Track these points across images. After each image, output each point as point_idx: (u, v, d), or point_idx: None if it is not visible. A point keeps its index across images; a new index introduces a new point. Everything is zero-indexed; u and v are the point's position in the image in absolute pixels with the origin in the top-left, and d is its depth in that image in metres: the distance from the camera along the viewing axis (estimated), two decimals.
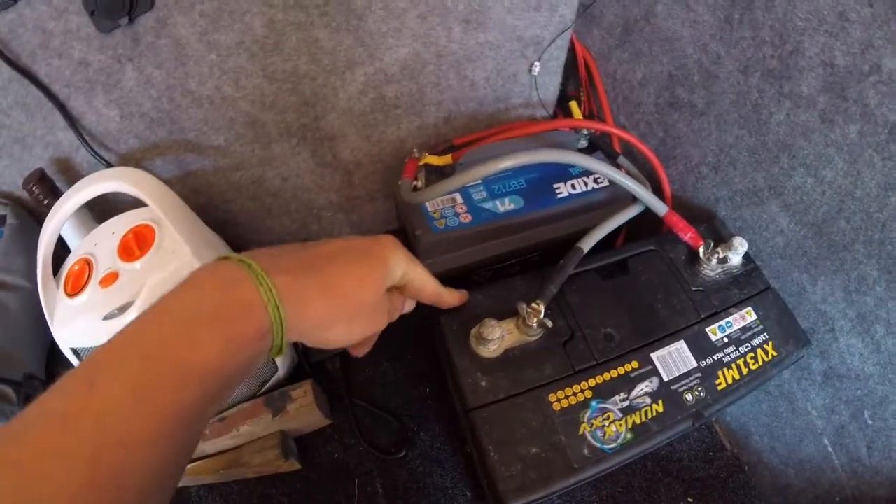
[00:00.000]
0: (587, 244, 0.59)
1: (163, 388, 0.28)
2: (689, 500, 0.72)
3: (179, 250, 0.60)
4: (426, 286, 0.47)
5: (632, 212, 0.64)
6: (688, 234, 0.62)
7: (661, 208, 0.63)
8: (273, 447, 0.69)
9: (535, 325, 0.54)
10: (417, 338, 0.76)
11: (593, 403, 0.53)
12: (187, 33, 0.64)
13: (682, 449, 0.75)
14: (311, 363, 0.74)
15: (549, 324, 0.54)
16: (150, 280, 0.58)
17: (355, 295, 0.38)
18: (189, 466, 0.69)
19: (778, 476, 0.73)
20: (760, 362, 0.59)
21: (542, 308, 0.54)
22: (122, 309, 0.57)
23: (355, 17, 0.63)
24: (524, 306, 0.54)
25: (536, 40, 0.73)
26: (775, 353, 0.60)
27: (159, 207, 0.60)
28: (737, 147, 0.65)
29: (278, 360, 0.69)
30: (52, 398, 0.27)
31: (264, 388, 0.71)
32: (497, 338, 0.53)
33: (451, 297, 0.53)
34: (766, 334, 0.61)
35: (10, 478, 0.23)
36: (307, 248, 0.38)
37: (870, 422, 0.62)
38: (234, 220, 0.76)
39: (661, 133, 0.72)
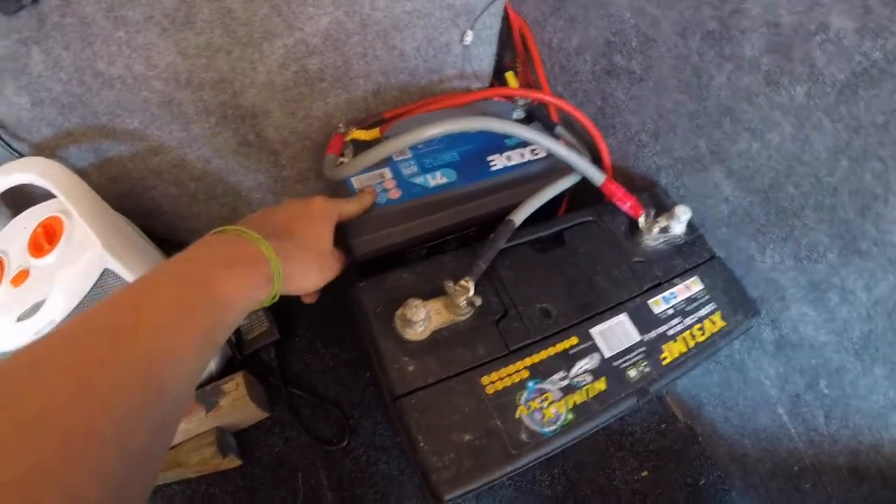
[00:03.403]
0: (519, 217, 0.53)
1: (200, 308, 0.33)
2: (644, 473, 0.68)
3: (88, 241, 0.55)
4: (351, 213, 0.54)
5: (567, 182, 0.58)
6: (627, 203, 0.57)
7: (597, 177, 0.57)
8: (210, 444, 0.62)
9: (463, 303, 0.48)
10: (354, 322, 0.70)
11: (530, 384, 0.47)
12: (93, 10, 0.56)
13: (635, 422, 0.70)
14: (244, 355, 0.67)
15: (478, 301, 0.48)
16: (60, 276, 0.52)
17: (318, 248, 0.47)
18: None
19: (734, 445, 0.69)
20: (708, 334, 0.54)
21: (470, 285, 0.48)
22: (36, 307, 0.52)
23: None
24: (451, 284, 0.48)
25: (468, 8, 0.66)
26: (723, 324, 0.55)
27: (66, 197, 0.54)
28: (677, 113, 0.59)
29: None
30: (98, 317, 0.30)
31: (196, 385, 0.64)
32: (422, 318, 0.47)
33: (364, 200, 0.57)
34: (713, 304, 0.56)
35: (66, 384, 0.26)
36: (272, 215, 0.47)
37: (826, 391, 0.57)
38: (159, 209, 0.69)
39: (599, 101, 0.66)
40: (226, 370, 0.66)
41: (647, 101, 0.61)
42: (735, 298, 0.57)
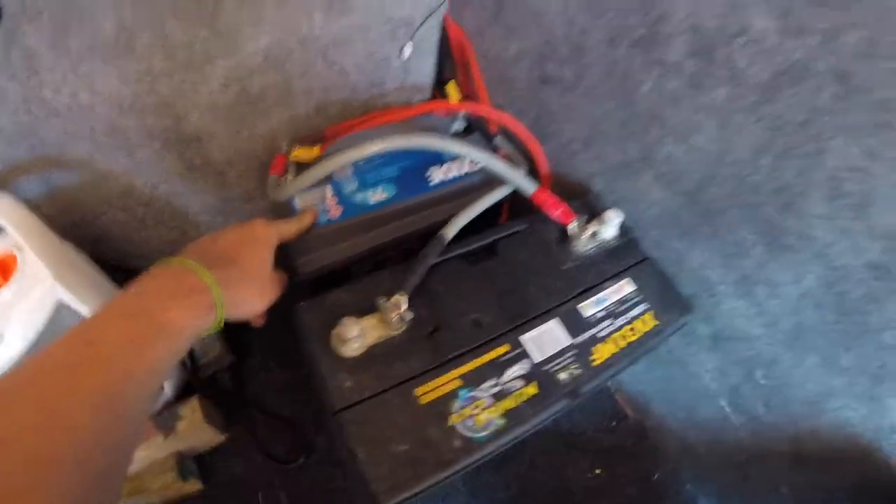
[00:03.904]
0: (449, 232, 0.55)
1: (150, 339, 0.35)
2: (597, 471, 0.69)
3: (40, 275, 0.55)
4: (290, 234, 0.56)
5: (498, 194, 0.60)
6: (557, 211, 0.58)
7: (528, 188, 0.58)
8: (170, 469, 0.63)
9: (395, 319, 0.50)
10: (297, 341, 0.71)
11: (462, 392, 0.49)
12: (36, 42, 0.57)
13: (585, 420, 0.72)
14: (200, 379, 0.68)
15: (409, 316, 0.50)
16: (15, 311, 0.53)
17: (260, 273, 0.49)
18: None
19: (683, 439, 0.71)
20: (639, 333, 0.56)
21: (402, 301, 0.50)
22: None
23: (208, 8, 0.57)
24: (383, 301, 0.50)
25: (407, 21, 0.67)
26: (655, 322, 0.57)
27: (18, 232, 0.55)
28: (608, 120, 0.61)
29: (165, 382, 0.63)
30: (58, 354, 0.33)
31: (154, 411, 0.65)
32: (356, 335, 0.48)
33: (304, 220, 0.58)
34: (645, 304, 0.57)
35: (32, 414, 0.28)
36: (214, 242, 0.48)
37: (763, 381, 0.59)
38: (108, 235, 0.69)
39: (535, 111, 0.68)
40: (183, 393, 0.67)
41: (579, 109, 0.63)
42: (667, 297, 0.58)
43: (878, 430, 0.51)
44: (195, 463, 0.66)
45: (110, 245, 0.70)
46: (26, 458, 0.27)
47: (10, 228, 0.54)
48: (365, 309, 0.51)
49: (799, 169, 0.46)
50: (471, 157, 0.57)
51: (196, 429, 0.63)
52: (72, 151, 0.63)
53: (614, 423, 0.72)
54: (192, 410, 0.63)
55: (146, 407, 0.37)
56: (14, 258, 0.56)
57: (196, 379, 0.67)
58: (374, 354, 0.50)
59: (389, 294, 0.51)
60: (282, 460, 0.67)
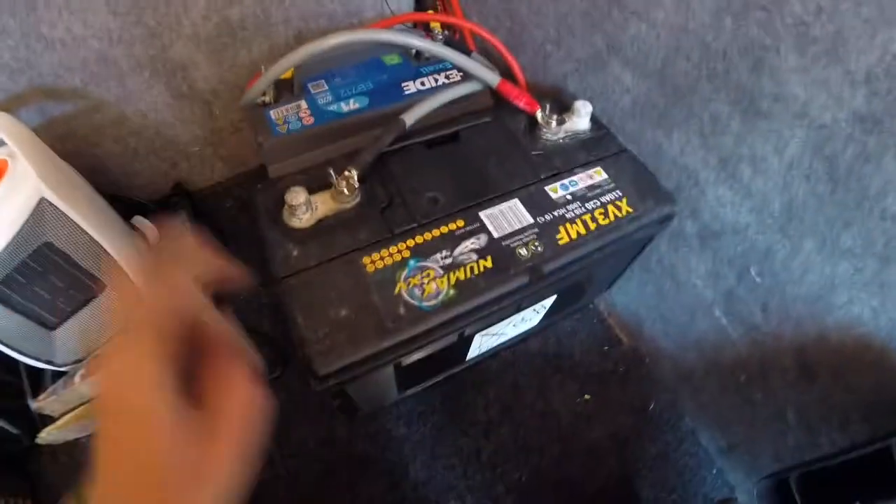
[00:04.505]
0: (410, 116, 0.54)
1: None
2: (587, 397, 0.64)
3: (28, 177, 0.58)
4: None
5: (464, 88, 0.59)
6: (522, 101, 0.56)
7: (492, 80, 0.57)
8: None
9: (345, 191, 0.48)
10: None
11: (411, 262, 0.47)
12: None
13: (573, 344, 0.67)
14: None
15: (357, 184, 0.48)
16: (2, 205, 0.55)
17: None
18: (74, 413, 0.64)
19: (679, 363, 0.64)
20: (612, 217, 0.52)
21: (353, 174, 0.49)
22: None
23: None
24: (332, 172, 0.49)
25: None
26: (630, 209, 0.53)
27: (10, 139, 0.58)
28: (572, 14, 0.59)
29: None
30: None
31: None
32: (302, 203, 0.47)
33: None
34: (617, 192, 0.54)
35: None
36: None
37: (758, 279, 0.54)
38: (104, 167, 0.73)
39: (507, 22, 0.67)
40: None
41: (547, 11, 0.62)
42: (644, 187, 0.55)
43: (893, 326, 0.44)
44: None
45: (107, 176, 0.74)
46: None
47: (2, 135, 0.57)
48: (317, 188, 0.51)
49: (762, 22, 0.43)
50: (435, 52, 0.57)
51: None
52: (66, 82, 0.68)
53: (606, 348, 0.67)
54: None
55: None
56: (6, 163, 0.58)
57: None
58: (324, 227, 0.49)
59: (342, 171, 0.50)
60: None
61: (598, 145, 0.57)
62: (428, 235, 0.48)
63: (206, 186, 0.83)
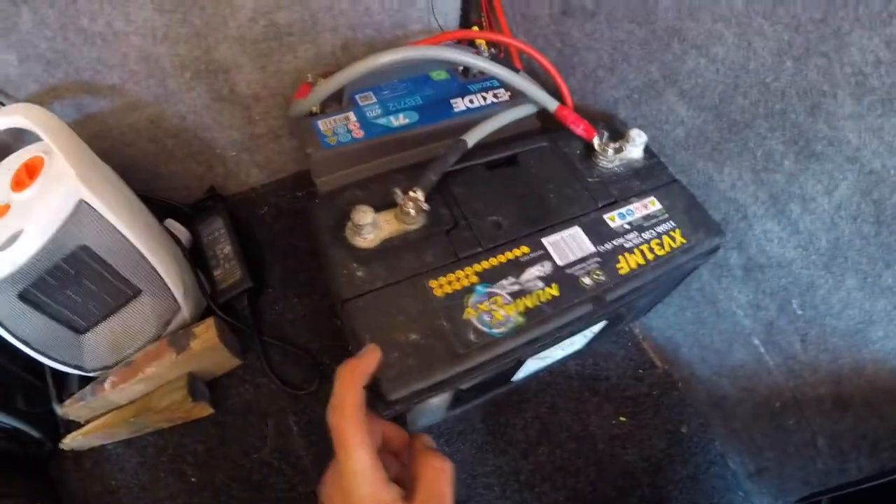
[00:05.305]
0: (471, 137, 0.53)
1: None
2: (622, 418, 0.65)
3: (66, 176, 0.55)
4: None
5: (522, 111, 0.59)
6: (580, 127, 0.56)
7: (551, 104, 0.57)
8: (180, 388, 0.62)
9: (412, 212, 0.48)
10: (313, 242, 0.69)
11: (479, 288, 0.46)
12: None
13: (609, 367, 0.67)
14: (218, 304, 0.67)
15: (426, 206, 0.48)
16: (37, 208, 0.53)
17: None
18: (101, 420, 0.62)
19: (713, 388, 0.66)
20: (668, 248, 0.52)
21: (419, 196, 0.48)
22: (12, 239, 0.52)
23: None
24: (399, 192, 0.48)
25: None
26: (684, 241, 0.53)
27: (47, 135, 0.55)
28: (629, 42, 0.59)
29: (179, 298, 0.62)
30: None
31: (168, 330, 0.64)
32: (369, 223, 0.46)
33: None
34: (672, 223, 0.54)
35: None
36: None
37: (799, 311, 0.55)
38: (136, 165, 0.70)
39: (558, 44, 0.67)
40: (200, 319, 0.66)
41: (600, 36, 0.62)
42: (695, 218, 0.55)
43: None
44: (207, 389, 0.64)
45: (138, 176, 0.71)
46: None
47: (39, 132, 0.55)
48: (381, 206, 0.50)
49: (822, 68, 0.44)
50: (492, 72, 0.57)
51: (210, 348, 0.61)
52: (104, 78, 0.65)
53: (640, 372, 0.68)
54: (206, 328, 0.62)
55: None
56: (42, 160, 0.56)
57: (214, 303, 0.66)
58: (388, 248, 0.48)
59: (406, 190, 0.49)
60: (295, 386, 0.64)
61: (651, 175, 0.58)
62: (494, 261, 0.48)
63: (240, 192, 0.81)
